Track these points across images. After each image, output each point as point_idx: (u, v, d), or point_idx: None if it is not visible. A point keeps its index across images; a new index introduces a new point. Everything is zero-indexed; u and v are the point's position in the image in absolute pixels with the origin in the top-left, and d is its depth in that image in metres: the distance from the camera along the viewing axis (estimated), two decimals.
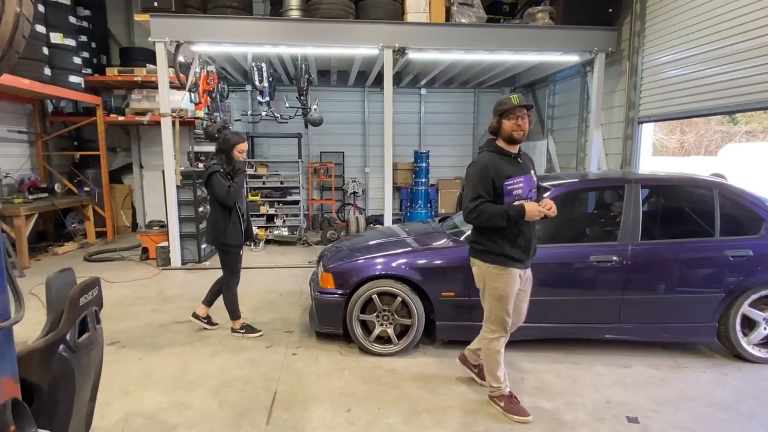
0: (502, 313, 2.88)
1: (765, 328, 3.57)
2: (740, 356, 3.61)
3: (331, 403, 3.06)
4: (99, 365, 2.03)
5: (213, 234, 4.01)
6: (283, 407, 3.01)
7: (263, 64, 7.17)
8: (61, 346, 1.72)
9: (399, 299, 3.69)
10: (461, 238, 3.96)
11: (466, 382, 3.35)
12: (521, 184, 2.77)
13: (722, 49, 5.22)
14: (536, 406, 3.03)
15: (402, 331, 3.79)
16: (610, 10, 6.88)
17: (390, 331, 3.75)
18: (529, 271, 3.00)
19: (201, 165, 7.45)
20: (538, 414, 2.94)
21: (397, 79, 8.91)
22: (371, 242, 4.33)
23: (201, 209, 6.87)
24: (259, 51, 6.87)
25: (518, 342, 3.79)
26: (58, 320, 1.73)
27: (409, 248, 3.96)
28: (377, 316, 3.75)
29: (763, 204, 3.69)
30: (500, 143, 2.85)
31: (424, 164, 9.06)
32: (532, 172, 2.89)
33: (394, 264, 3.77)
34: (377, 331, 3.75)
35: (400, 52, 6.72)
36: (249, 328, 4.20)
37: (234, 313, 4.17)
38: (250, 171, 8.50)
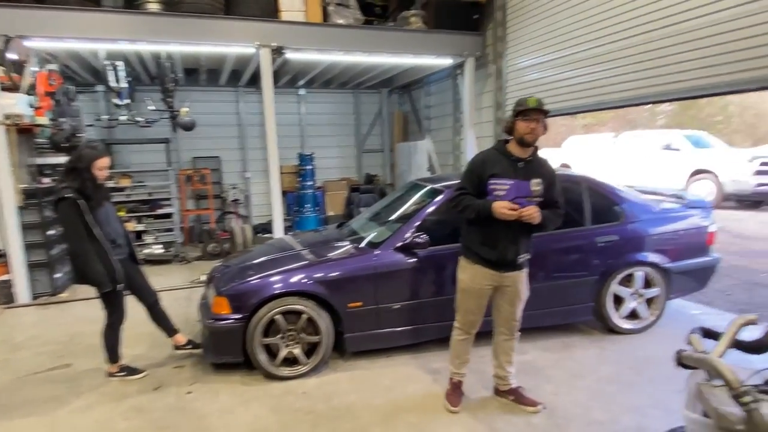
0: (462, 306, 3.00)
1: (630, 303, 4.09)
2: (613, 330, 4.09)
3: None
4: None
5: (74, 270, 3.36)
6: None
7: (119, 63, 6.32)
8: None
9: (305, 316, 3.49)
10: (362, 245, 3.89)
11: (381, 394, 3.29)
12: (506, 187, 2.73)
13: (573, 55, 5.87)
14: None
15: (310, 349, 3.60)
16: (475, 17, 7.34)
17: (297, 351, 3.53)
18: (514, 276, 2.90)
19: (47, 180, 6.34)
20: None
21: (274, 79, 8.51)
22: (265, 258, 4.04)
23: (52, 231, 5.84)
24: (114, 48, 6.03)
25: (426, 343, 3.85)
26: None
27: (309, 261, 3.77)
28: (282, 338, 3.50)
29: (620, 194, 4.23)
30: (511, 145, 2.81)
31: (309, 166, 8.84)
32: (534, 181, 2.75)
33: (294, 280, 3.55)
34: (283, 353, 3.50)
35: (277, 51, 6.42)
36: (129, 370, 3.64)
37: (113, 355, 3.58)
38: (110, 183, 7.46)
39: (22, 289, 5.53)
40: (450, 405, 3.06)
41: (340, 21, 6.77)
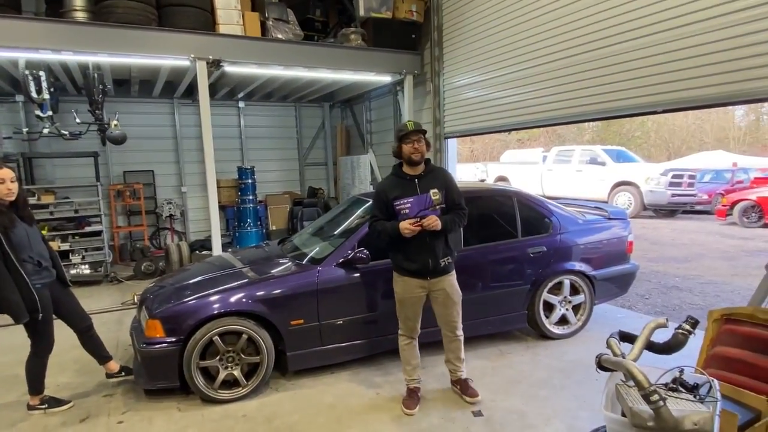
0: (401, 315, 3.27)
1: (560, 309, 4.34)
2: (545, 335, 4.31)
3: None
4: None
5: None
6: None
7: (42, 73, 5.93)
8: None
9: (244, 337, 3.41)
10: (304, 261, 3.87)
11: (324, 412, 3.27)
12: (408, 205, 3.04)
13: (504, 76, 6.18)
14: (396, 416, 3.13)
15: (250, 370, 3.51)
16: (413, 36, 7.56)
17: (237, 372, 3.43)
18: (442, 281, 3.14)
19: None
20: (398, 424, 3.03)
21: (212, 91, 8.33)
22: (201, 277, 3.90)
23: None
24: (35, 57, 5.66)
25: (369, 358, 3.88)
26: None
27: (249, 279, 3.69)
28: (221, 360, 3.39)
29: (548, 207, 4.49)
30: (403, 167, 3.14)
31: (250, 180, 8.65)
32: (432, 191, 3.03)
33: (233, 299, 3.46)
34: (222, 375, 3.39)
35: (215, 64, 6.29)
36: (53, 402, 3.38)
37: (36, 386, 3.32)
38: (31, 200, 6.92)
39: None
40: (405, 408, 3.23)
41: (279, 36, 6.75)
